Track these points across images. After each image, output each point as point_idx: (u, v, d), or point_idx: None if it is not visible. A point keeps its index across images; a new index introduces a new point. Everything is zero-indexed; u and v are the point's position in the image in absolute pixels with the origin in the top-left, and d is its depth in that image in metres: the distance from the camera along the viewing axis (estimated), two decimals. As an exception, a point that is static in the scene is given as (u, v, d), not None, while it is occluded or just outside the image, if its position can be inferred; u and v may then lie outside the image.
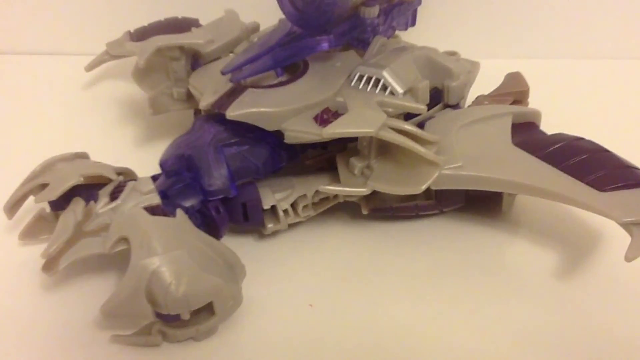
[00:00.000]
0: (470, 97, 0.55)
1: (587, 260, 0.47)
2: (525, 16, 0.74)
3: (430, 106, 0.49)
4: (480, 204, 0.50)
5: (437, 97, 0.51)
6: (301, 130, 0.44)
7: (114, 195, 0.44)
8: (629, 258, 0.38)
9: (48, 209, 0.47)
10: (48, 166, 0.47)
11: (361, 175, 0.46)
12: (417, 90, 0.47)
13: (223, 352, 0.41)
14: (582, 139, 0.46)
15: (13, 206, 0.47)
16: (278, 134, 0.45)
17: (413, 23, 0.59)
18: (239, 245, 0.45)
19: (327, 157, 0.50)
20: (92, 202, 0.44)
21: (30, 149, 0.59)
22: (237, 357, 0.41)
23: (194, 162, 0.45)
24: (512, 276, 0.46)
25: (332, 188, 0.46)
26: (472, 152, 0.45)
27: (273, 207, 0.47)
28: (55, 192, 0.44)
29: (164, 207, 0.44)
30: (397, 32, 0.58)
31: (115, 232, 0.41)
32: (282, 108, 0.45)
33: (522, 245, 0.49)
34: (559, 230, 0.49)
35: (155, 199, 0.44)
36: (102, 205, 0.43)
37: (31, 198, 0.47)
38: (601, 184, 0.42)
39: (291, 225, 0.49)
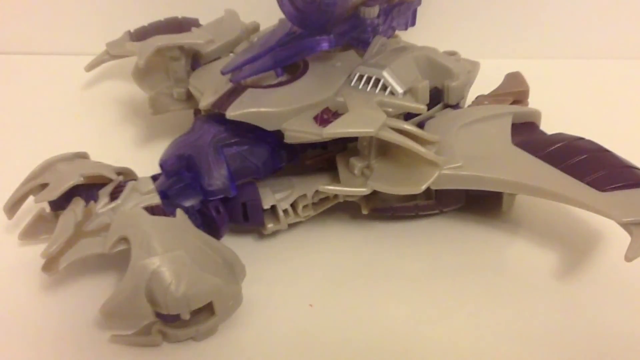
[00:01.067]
0: (470, 97, 0.55)
1: (587, 260, 0.47)
2: (525, 16, 0.74)
3: (430, 106, 0.49)
4: (480, 204, 0.50)
5: (437, 97, 0.51)
6: (301, 130, 0.44)
7: (114, 195, 0.44)
8: (629, 258, 0.38)
9: (48, 209, 0.47)
10: (48, 166, 0.47)
11: (361, 175, 0.46)
12: (417, 90, 0.47)
13: (223, 352, 0.41)
14: (582, 139, 0.46)
15: (13, 206, 0.47)
16: (278, 134, 0.45)
17: (413, 23, 0.59)
18: (239, 245, 0.45)
19: (327, 157, 0.50)
20: (92, 202, 0.44)
21: (30, 149, 0.59)
22: (237, 357, 0.41)
23: (194, 162, 0.45)
24: (512, 276, 0.46)
25: (332, 188, 0.46)
26: (472, 152, 0.45)
27: (273, 207, 0.47)
28: (55, 192, 0.44)
29: (164, 207, 0.44)
30: (397, 32, 0.58)
31: (115, 232, 0.41)
32: (282, 108, 0.45)
33: (522, 245, 0.49)
34: (559, 230, 0.49)
35: (155, 199, 0.44)
36: (102, 205, 0.43)
37: (31, 198, 0.47)
38: (601, 184, 0.42)
39: (291, 225, 0.49)
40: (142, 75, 0.56)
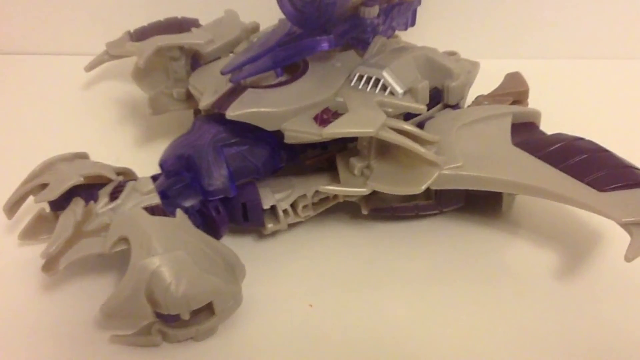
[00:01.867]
0: (470, 97, 0.55)
1: (587, 261, 0.47)
2: (525, 16, 0.74)
3: (430, 106, 0.49)
4: (480, 204, 0.50)
5: (437, 97, 0.51)
6: (301, 130, 0.44)
7: (113, 195, 0.44)
8: (628, 258, 0.38)
9: (48, 209, 0.47)
10: (48, 166, 0.47)
11: (361, 175, 0.46)
12: (417, 90, 0.47)
13: (223, 352, 0.41)
14: (582, 139, 0.46)
15: (13, 206, 0.47)
16: (278, 134, 0.45)
17: (413, 23, 0.59)
18: (239, 245, 0.45)
19: (327, 157, 0.50)
20: (92, 202, 0.44)
21: (30, 149, 0.59)
22: (237, 357, 0.41)
23: (194, 162, 0.45)
24: (512, 276, 0.46)
25: (332, 188, 0.46)
26: (472, 152, 0.45)
27: (273, 207, 0.47)
28: (55, 192, 0.44)
29: (164, 207, 0.44)
30: (397, 32, 0.58)
31: (115, 232, 0.41)
32: (282, 108, 0.45)
33: (522, 245, 0.49)
34: (559, 230, 0.49)
35: (155, 199, 0.44)
36: (102, 205, 0.43)
37: (31, 198, 0.47)
38: (601, 184, 0.42)
39: (291, 225, 0.49)
40: (142, 75, 0.56)
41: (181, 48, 0.55)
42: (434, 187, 0.45)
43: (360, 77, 0.48)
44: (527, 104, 0.56)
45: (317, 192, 0.47)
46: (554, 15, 0.74)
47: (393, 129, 0.43)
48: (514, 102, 0.54)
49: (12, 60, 0.76)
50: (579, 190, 0.42)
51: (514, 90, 0.55)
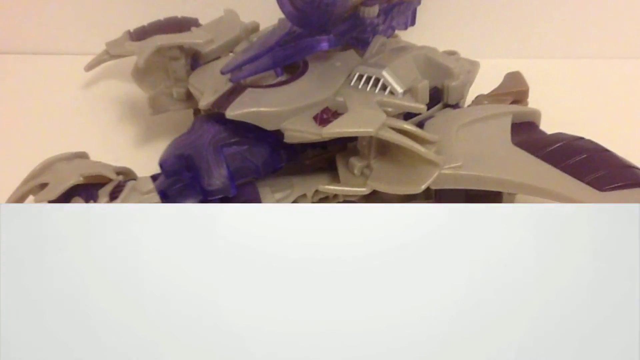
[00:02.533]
0: (470, 97, 0.55)
1: (587, 260, 0.47)
2: (525, 16, 0.74)
3: (430, 106, 0.49)
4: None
5: (436, 97, 0.51)
6: (301, 129, 0.44)
7: (113, 195, 0.44)
8: (628, 258, 0.38)
9: (48, 209, 0.47)
10: (48, 166, 0.47)
11: (361, 175, 0.46)
12: (417, 90, 0.47)
13: (223, 351, 0.41)
14: (582, 139, 0.46)
15: (13, 206, 0.47)
16: (278, 134, 0.45)
17: (413, 23, 0.59)
18: (238, 245, 0.45)
19: (327, 157, 0.50)
20: (91, 202, 0.44)
21: (30, 149, 0.59)
22: (236, 356, 0.41)
23: (193, 162, 0.45)
24: (512, 276, 0.46)
25: (332, 188, 0.46)
26: (471, 152, 0.45)
27: (273, 207, 0.47)
28: (55, 192, 0.44)
29: (164, 207, 0.44)
30: (397, 32, 0.58)
31: (115, 232, 0.41)
32: (282, 108, 0.45)
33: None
34: (559, 230, 0.49)
35: (155, 199, 0.44)
36: (101, 205, 0.43)
37: (31, 198, 0.47)
38: (601, 184, 0.42)
39: (291, 225, 0.49)
40: (142, 75, 0.56)
41: (181, 48, 0.55)
42: (433, 187, 0.45)
43: (360, 77, 0.48)
44: (527, 104, 0.56)
45: (317, 191, 0.47)
46: (554, 15, 0.74)
47: (393, 128, 0.43)
48: (514, 102, 0.54)
49: (12, 60, 0.76)
50: (579, 190, 0.42)
51: (514, 90, 0.55)
